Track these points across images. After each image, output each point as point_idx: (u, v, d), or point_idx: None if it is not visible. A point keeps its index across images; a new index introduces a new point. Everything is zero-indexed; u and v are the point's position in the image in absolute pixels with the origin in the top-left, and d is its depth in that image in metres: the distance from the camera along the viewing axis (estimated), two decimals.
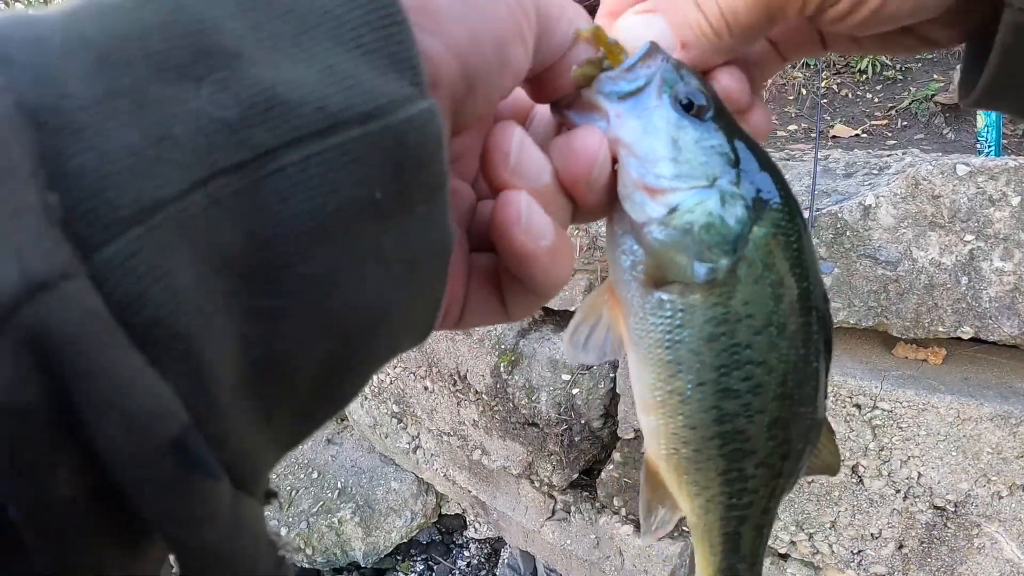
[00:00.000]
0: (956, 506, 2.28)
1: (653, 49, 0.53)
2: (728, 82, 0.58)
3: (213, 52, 0.31)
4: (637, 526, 2.84)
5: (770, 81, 4.09)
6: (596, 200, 0.51)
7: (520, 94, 0.53)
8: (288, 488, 4.18)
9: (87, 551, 0.28)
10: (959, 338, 2.30)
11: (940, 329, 2.26)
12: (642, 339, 0.55)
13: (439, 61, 0.38)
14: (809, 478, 2.39)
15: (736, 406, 0.55)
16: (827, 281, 2.30)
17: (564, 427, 2.93)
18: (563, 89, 0.51)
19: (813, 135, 3.29)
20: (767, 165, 0.54)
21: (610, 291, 0.56)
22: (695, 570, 0.68)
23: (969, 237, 2.17)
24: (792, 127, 3.80)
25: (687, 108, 0.52)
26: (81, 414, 0.26)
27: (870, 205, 2.25)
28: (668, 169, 0.51)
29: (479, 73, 0.41)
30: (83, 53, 0.29)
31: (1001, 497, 2.21)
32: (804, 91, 4.08)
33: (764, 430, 0.56)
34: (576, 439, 2.94)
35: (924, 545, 2.38)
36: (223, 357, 0.30)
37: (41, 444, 0.25)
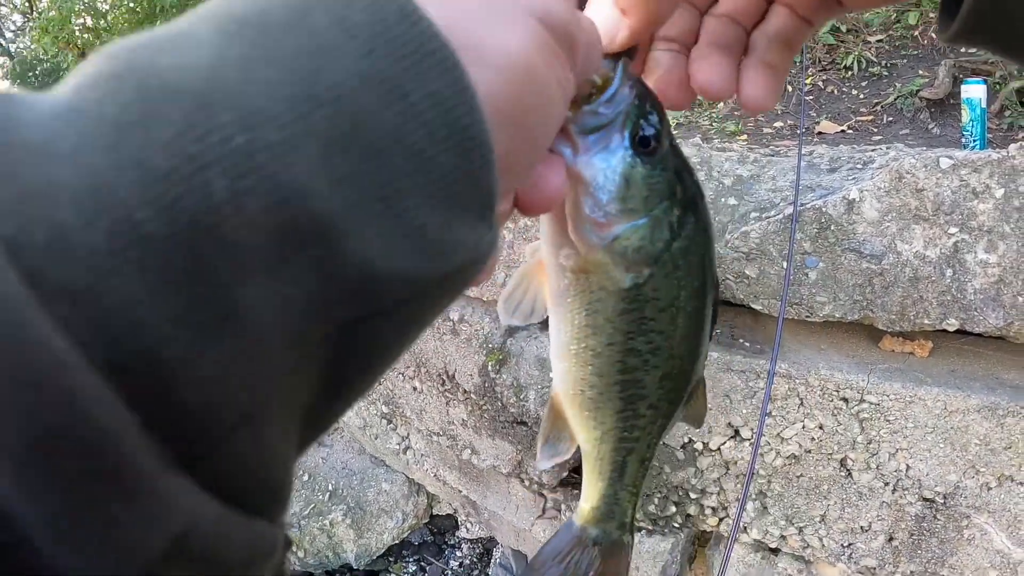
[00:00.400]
0: (945, 498, 2.30)
1: (623, 79, 0.58)
2: (704, 77, 0.60)
3: (300, 225, 0.28)
4: None
5: None
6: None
7: None
8: None
9: None
10: (945, 330, 2.31)
11: (926, 322, 2.27)
12: (565, 305, 0.64)
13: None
14: (797, 472, 2.40)
15: (637, 362, 0.66)
16: (812, 275, 2.32)
17: None
18: None
19: (799, 131, 3.31)
20: (693, 187, 0.64)
21: (540, 264, 0.66)
22: (583, 494, 0.79)
23: (953, 230, 2.19)
24: (778, 124, 3.81)
25: (643, 144, 0.59)
26: None
27: (854, 199, 2.26)
28: (616, 207, 0.58)
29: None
30: (139, 253, 0.24)
31: (990, 488, 2.23)
32: (790, 88, 4.10)
33: (657, 381, 0.68)
34: None
35: (914, 537, 2.39)
36: (293, 473, 0.32)
37: None
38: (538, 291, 0.67)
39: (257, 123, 0.27)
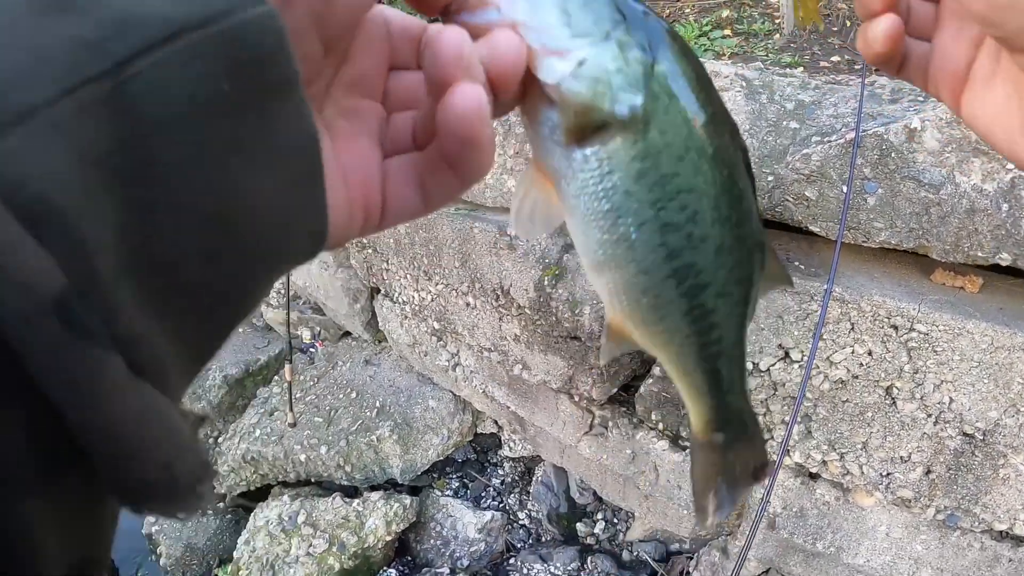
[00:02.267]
0: (984, 434, 2.33)
1: None
2: None
3: None
4: (673, 441, 2.90)
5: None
6: (514, 92, 0.54)
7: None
8: (328, 408, 4.29)
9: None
10: (997, 266, 2.33)
11: (979, 254, 2.29)
12: (578, 198, 0.58)
13: None
14: (844, 397, 2.44)
15: (680, 239, 0.58)
16: (871, 201, 2.35)
17: None
18: None
19: (857, 67, 3.29)
20: (650, 18, 0.57)
21: (536, 168, 0.59)
22: (691, 412, 0.70)
23: (1011, 165, 2.18)
24: (835, 58, 3.76)
25: None
26: None
27: (915, 128, 2.27)
28: (564, 32, 0.54)
29: None
30: None
31: None
32: (848, 23, 4.06)
33: (712, 258, 0.59)
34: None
35: (951, 472, 2.43)
36: (102, 238, 0.33)
37: None
38: (546, 196, 0.60)
39: None
